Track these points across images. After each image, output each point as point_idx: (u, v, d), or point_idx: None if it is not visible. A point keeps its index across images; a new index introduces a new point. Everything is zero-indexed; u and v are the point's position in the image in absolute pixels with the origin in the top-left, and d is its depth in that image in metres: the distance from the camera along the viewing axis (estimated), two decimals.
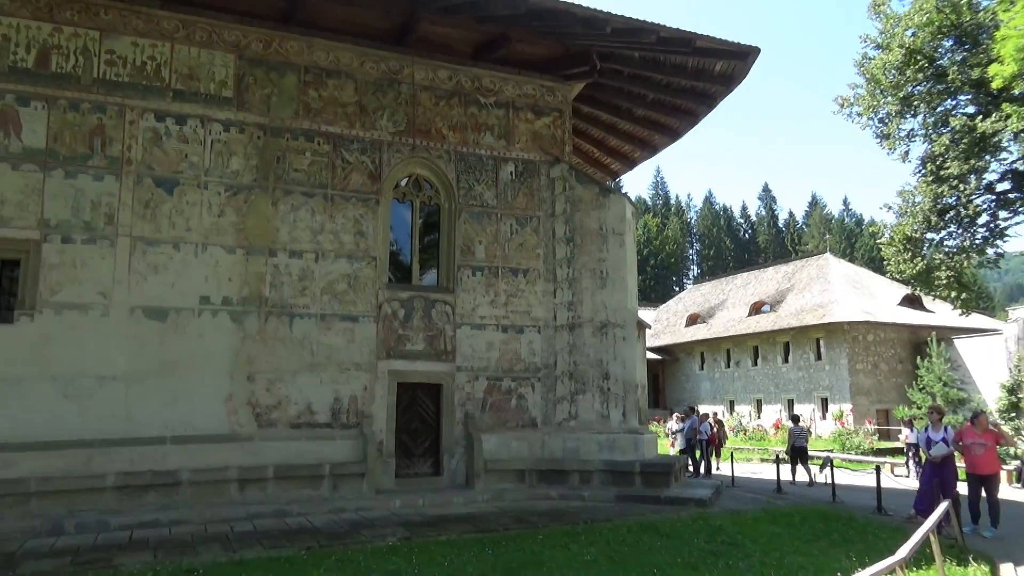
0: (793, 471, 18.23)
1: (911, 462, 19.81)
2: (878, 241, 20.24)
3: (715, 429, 20.85)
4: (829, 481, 14.84)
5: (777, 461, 16.89)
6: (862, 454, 25.15)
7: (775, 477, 16.39)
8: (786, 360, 35.95)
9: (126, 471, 10.90)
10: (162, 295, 11.75)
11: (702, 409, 30.05)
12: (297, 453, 12.16)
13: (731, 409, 38.32)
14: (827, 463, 16.48)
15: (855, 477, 16.67)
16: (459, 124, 14.56)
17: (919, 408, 28.38)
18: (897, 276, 19.68)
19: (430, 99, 14.37)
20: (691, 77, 15.86)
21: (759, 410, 36.80)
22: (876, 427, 30.25)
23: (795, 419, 19.44)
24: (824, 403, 33.52)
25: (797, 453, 18.27)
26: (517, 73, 15.21)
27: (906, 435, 20.32)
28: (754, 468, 22.72)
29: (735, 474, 17.86)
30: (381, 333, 13.25)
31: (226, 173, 12.53)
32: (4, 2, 11.53)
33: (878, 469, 13.28)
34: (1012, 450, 20.08)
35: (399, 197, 14.16)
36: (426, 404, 13.66)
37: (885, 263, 19.70)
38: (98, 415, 11.05)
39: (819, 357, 34.06)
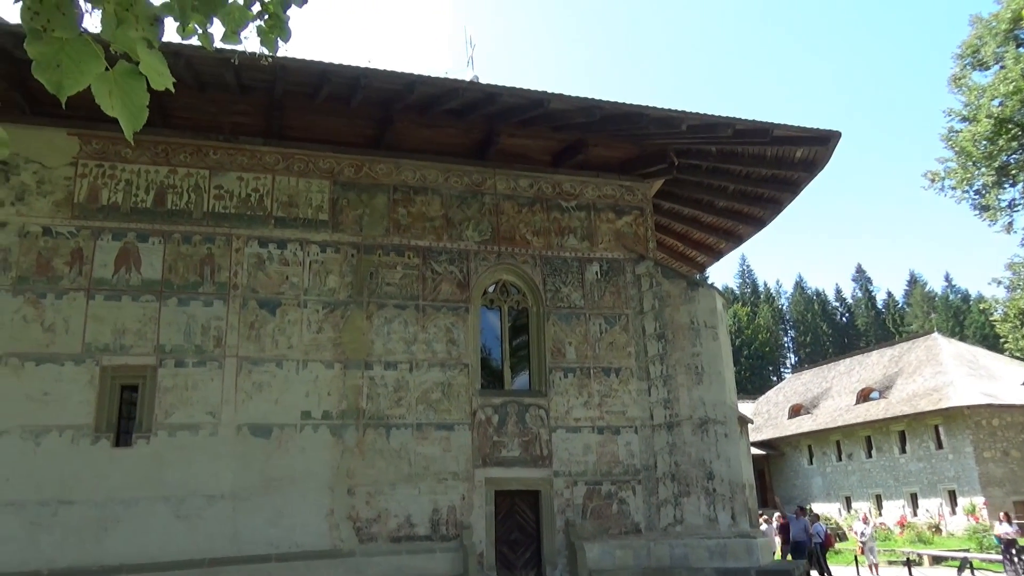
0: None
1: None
2: (991, 318, 19.06)
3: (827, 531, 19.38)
4: None
5: (908, 564, 15.44)
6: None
7: None
8: (903, 450, 33.47)
9: None
10: (266, 412, 12.14)
11: (817, 509, 28.06)
12: (397, 568, 11.98)
13: (848, 506, 35.63)
14: (965, 565, 14.95)
15: None
16: (542, 228, 14.87)
17: None
18: (1018, 354, 18.34)
19: (513, 207, 14.80)
20: (771, 166, 15.81)
21: (879, 506, 34.07)
22: (1019, 521, 27.40)
23: (800, 511, 17.87)
24: (952, 496, 30.76)
25: (798, 551, 16.57)
26: (596, 176, 15.55)
27: (1006, 531, 18.24)
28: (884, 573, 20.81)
29: None
30: (476, 440, 13.18)
31: (323, 291, 13.11)
32: (128, 152, 12.78)
33: None
34: None
35: (487, 303, 14.40)
36: (525, 512, 13.32)
37: (1002, 340, 18.46)
38: (207, 534, 11.28)
39: (940, 446, 31.57)
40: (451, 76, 13.72)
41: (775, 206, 17.51)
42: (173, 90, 2.16)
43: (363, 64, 12.15)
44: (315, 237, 13.36)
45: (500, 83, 13.20)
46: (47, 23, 1.99)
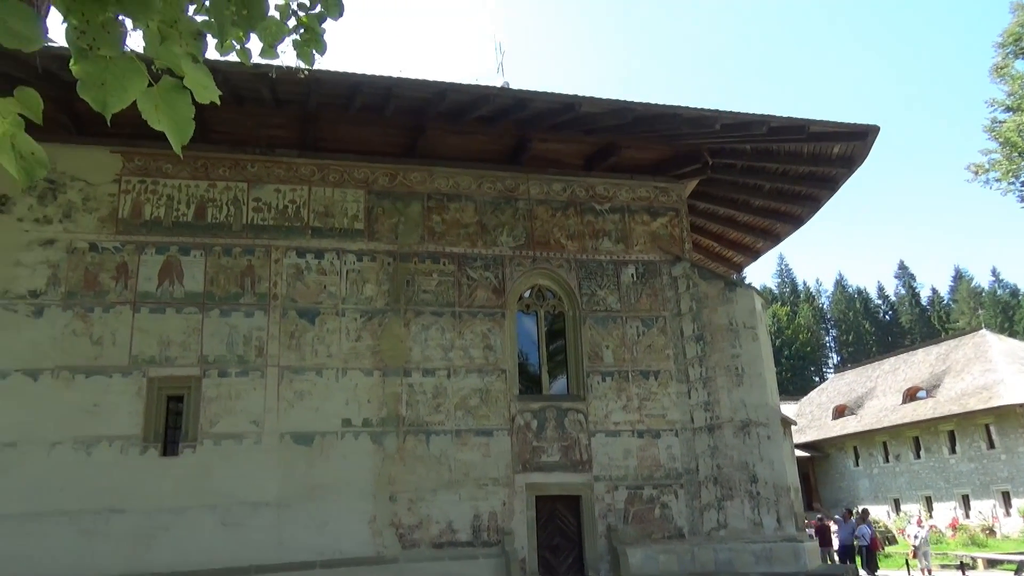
0: None
1: None
2: None
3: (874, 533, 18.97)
4: None
5: (962, 568, 14.99)
6: None
7: None
8: (953, 451, 32.57)
9: None
10: (308, 420, 12.29)
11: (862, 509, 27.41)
12: (441, 574, 12.01)
13: (896, 509, 34.76)
14: (1023, 568, 14.47)
15: None
16: (576, 232, 14.82)
17: None
18: None
19: (546, 211, 14.79)
20: (808, 163, 15.55)
21: (929, 508, 33.16)
22: None
23: (848, 513, 17.57)
24: (1006, 497, 29.82)
25: (846, 554, 16.39)
26: (629, 178, 15.46)
27: None
28: None
29: None
30: (516, 446, 13.17)
31: (361, 300, 13.23)
32: (168, 167, 13.07)
33: None
34: None
35: (523, 309, 14.40)
36: (566, 517, 13.26)
37: None
38: (253, 542, 11.44)
39: (991, 445, 30.64)
40: (481, 83, 13.77)
41: (813, 203, 17.20)
42: (219, 102, 2.19)
43: (394, 74, 12.26)
44: (351, 246, 13.50)
45: (530, 88, 13.23)
46: (92, 42, 2.04)
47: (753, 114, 13.90)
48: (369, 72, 12.17)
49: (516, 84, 17.92)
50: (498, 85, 15.56)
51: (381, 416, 12.67)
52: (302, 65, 3.11)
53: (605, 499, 13.31)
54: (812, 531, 18.65)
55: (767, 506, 13.20)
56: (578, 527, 13.21)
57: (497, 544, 12.51)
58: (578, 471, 13.35)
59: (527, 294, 14.48)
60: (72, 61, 2.08)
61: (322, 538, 11.78)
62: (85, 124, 12.43)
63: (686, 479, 13.74)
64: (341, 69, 12.21)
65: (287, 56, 3.25)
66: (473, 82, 13.20)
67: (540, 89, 13.23)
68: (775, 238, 19.07)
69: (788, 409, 41.26)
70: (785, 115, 14.03)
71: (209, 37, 2.44)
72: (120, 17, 2.08)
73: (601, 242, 14.89)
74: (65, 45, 2.10)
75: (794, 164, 15.62)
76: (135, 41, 2.20)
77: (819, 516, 23.38)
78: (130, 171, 12.87)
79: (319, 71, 11.36)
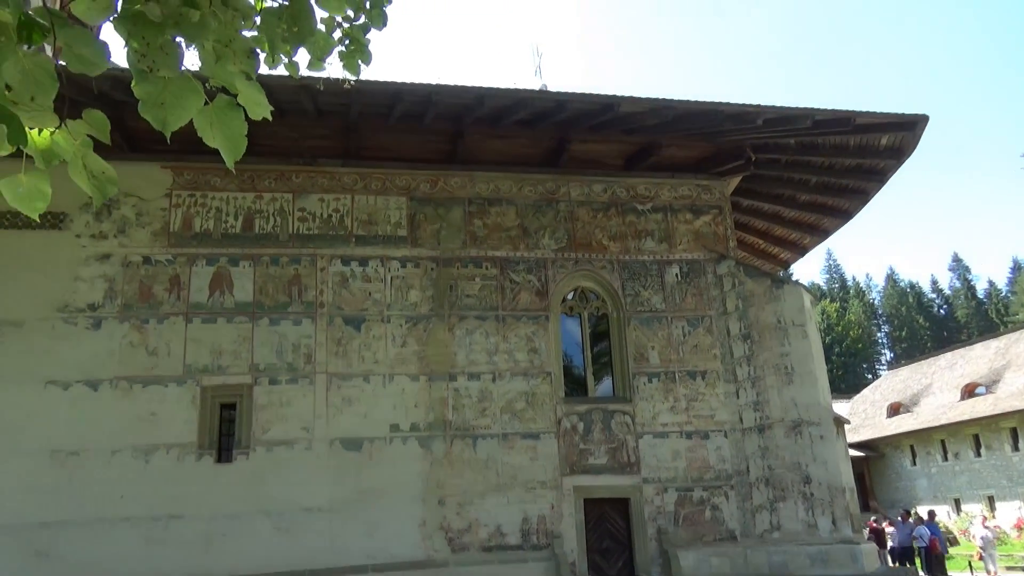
0: None
1: None
2: None
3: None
4: None
5: None
6: None
7: None
8: (1016, 448, 31.40)
9: None
10: (356, 426, 12.45)
11: (923, 511, 26.63)
12: None
13: (957, 509, 33.66)
14: None
15: None
16: (618, 233, 14.73)
17: None
18: None
19: (588, 213, 14.74)
20: (855, 155, 15.22)
21: (992, 508, 32.04)
22: None
23: (905, 514, 16.97)
24: None
25: (904, 556, 15.80)
26: (671, 176, 15.31)
27: None
28: None
29: None
30: (563, 449, 13.14)
31: (405, 306, 13.36)
32: (216, 180, 13.39)
33: None
34: None
35: (567, 311, 14.37)
36: (615, 520, 13.17)
37: None
38: (306, 546, 11.64)
39: None
40: (519, 87, 13.81)
41: (861, 197, 16.82)
42: (271, 118, 2.25)
43: (433, 81, 12.38)
44: (395, 253, 13.65)
45: (569, 90, 13.22)
46: (152, 64, 2.11)
47: (797, 108, 13.67)
48: (408, 80, 12.30)
49: (554, 86, 17.92)
50: (536, 88, 15.58)
51: (428, 421, 12.77)
52: (348, 76, 3.16)
53: (654, 501, 13.19)
54: (867, 532, 18.21)
55: (822, 507, 12.92)
56: (628, 530, 13.12)
57: (546, 547, 12.50)
58: (626, 473, 13.26)
59: (570, 296, 14.45)
60: (133, 83, 2.16)
61: (373, 542, 11.92)
62: (137, 142, 12.81)
63: (737, 480, 13.54)
64: (380, 78, 12.38)
65: (331, 67, 3.32)
66: (511, 86, 13.26)
67: (578, 90, 13.23)
68: (822, 233, 18.69)
69: (840, 408, 40.32)
70: (830, 107, 13.75)
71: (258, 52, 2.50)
72: (177, 39, 2.15)
73: (644, 242, 14.78)
74: (116, 67, 2.18)
75: (840, 157, 15.30)
76: (191, 60, 2.27)
77: (874, 518, 22.81)
78: (180, 185, 13.22)
79: (360, 81, 11.52)
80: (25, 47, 2.03)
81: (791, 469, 13.16)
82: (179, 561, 11.25)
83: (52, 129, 2.10)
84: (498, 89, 12.86)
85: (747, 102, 13.52)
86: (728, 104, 13.42)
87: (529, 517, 12.60)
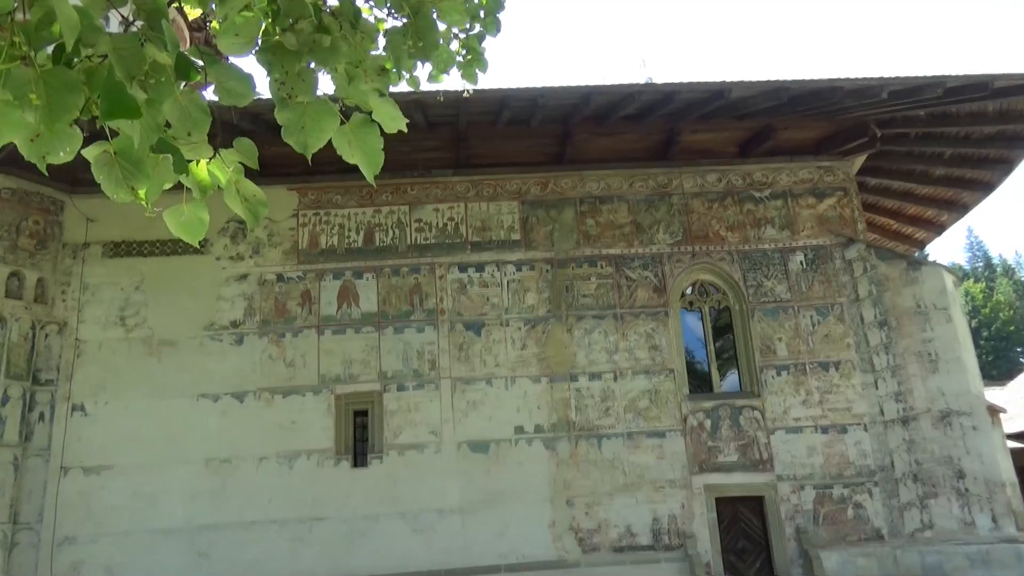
0: None
1: None
2: None
3: None
4: None
5: None
6: None
7: None
8: None
9: None
10: (482, 429, 12.70)
11: None
12: None
13: None
14: None
15: None
16: (736, 223, 14.27)
17: None
18: None
19: (702, 204, 14.37)
20: (995, 122, 14.02)
21: None
22: None
23: None
24: None
25: None
26: (789, 160, 14.68)
27: None
28: None
29: None
30: (690, 447, 12.85)
31: (523, 309, 13.50)
32: (338, 198, 14.04)
33: None
34: None
35: (686, 306, 14.06)
36: (749, 519, 12.74)
37: None
38: (441, 547, 11.99)
39: None
40: (624, 82, 13.64)
41: (1004, 166, 15.45)
42: (406, 130, 2.35)
43: (537, 84, 12.46)
44: (510, 257, 13.82)
45: (675, 80, 12.93)
46: (291, 91, 2.25)
47: (925, 76, 12.75)
48: (513, 86, 12.44)
49: (659, 77, 17.61)
50: (641, 82, 15.37)
51: (552, 422, 12.84)
52: (467, 85, 3.24)
53: (791, 500, 12.65)
54: None
55: (979, 504, 11.97)
56: (763, 529, 12.65)
57: (679, 548, 12.25)
58: (759, 471, 12.80)
59: (689, 290, 14.13)
60: (276, 110, 2.31)
61: (504, 543, 12.11)
62: (264, 166, 13.59)
63: (880, 476, 12.77)
64: (485, 86, 12.57)
65: (447, 78, 3.41)
66: (616, 82, 13.13)
67: (685, 79, 12.92)
68: (961, 208, 17.30)
69: (994, 396, 37.12)
70: (963, 73, 12.75)
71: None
72: (311, 65, 2.28)
73: (764, 230, 14.23)
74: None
75: (978, 125, 14.14)
76: (325, 86, 2.40)
77: None
78: (305, 205, 13.96)
79: (466, 92, 11.76)
80: (181, 85, 2.22)
81: (942, 463, 12.27)
82: (323, 560, 11.88)
83: (207, 159, 2.28)
84: (604, 86, 12.77)
85: (869, 75, 12.76)
86: (848, 79, 12.70)
87: (659, 517, 12.41)
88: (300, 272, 13.55)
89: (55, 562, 11.71)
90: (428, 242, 13.89)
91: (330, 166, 13.18)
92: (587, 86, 12.60)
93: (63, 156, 2.02)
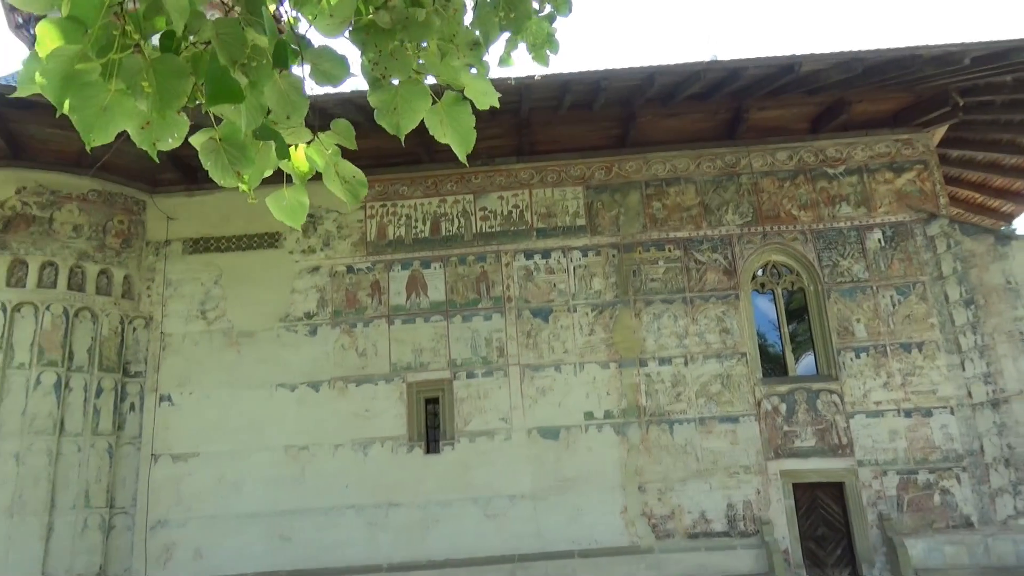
0: None
1: None
2: None
3: None
4: None
5: None
6: None
7: None
8: None
9: None
10: (552, 415, 12.70)
11: None
12: (699, 565, 11.80)
13: None
14: None
15: None
16: (809, 201, 13.83)
17: None
18: None
19: (772, 183, 13.97)
20: None
21: None
22: None
23: None
24: None
25: None
26: (864, 134, 14.11)
27: None
28: None
29: None
30: (765, 431, 12.57)
31: (590, 294, 13.42)
32: (404, 189, 14.20)
33: None
34: None
35: (758, 288, 13.72)
36: (829, 506, 12.39)
37: None
38: (513, 532, 12.07)
39: None
40: (689, 60, 13.34)
41: None
42: (498, 105, 2.33)
43: (600, 67, 12.29)
44: (575, 243, 13.74)
45: (741, 56, 12.56)
46: (384, 71, 2.27)
47: (1011, 40, 12.04)
48: (576, 70, 12.31)
49: (725, 54, 17.17)
50: (706, 60, 15.00)
51: (621, 407, 12.74)
52: (540, 67, 3.21)
53: (873, 485, 12.24)
54: None
55: None
56: (844, 516, 12.29)
57: (755, 534, 12.02)
58: (838, 456, 12.42)
59: (760, 272, 13.77)
60: (368, 93, 2.32)
61: (577, 528, 12.10)
62: None
63: (969, 461, 12.23)
64: (546, 71, 12.49)
65: (516, 62, 3.38)
66: (679, 61, 12.85)
67: (752, 55, 12.55)
68: None
69: None
70: None
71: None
72: (404, 43, 2.29)
73: (839, 208, 13.75)
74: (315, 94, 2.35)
75: None
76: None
77: None
78: (372, 197, 14.17)
79: (528, 78, 11.71)
80: (279, 70, 2.25)
81: None
82: (399, 546, 12.11)
83: (306, 143, 2.32)
84: (667, 66, 12.50)
85: (949, 41, 12.15)
86: (927, 47, 12.11)
87: (734, 503, 12.19)
88: (369, 263, 13.78)
89: (149, 544, 12.29)
90: (493, 230, 13.92)
91: (396, 157, 13.44)
92: (650, 66, 12.37)
93: (171, 143, 2.08)
